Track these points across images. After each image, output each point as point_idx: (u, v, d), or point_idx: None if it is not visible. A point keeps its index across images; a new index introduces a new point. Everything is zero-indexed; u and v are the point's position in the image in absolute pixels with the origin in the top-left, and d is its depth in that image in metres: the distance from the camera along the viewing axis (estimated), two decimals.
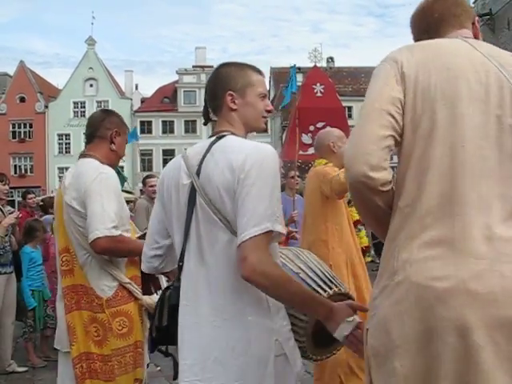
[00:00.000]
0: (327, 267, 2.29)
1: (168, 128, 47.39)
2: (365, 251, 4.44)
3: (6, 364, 5.77)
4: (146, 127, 45.98)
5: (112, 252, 2.84)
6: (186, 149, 2.18)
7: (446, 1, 1.94)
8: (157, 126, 46.54)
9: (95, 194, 2.81)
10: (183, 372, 1.97)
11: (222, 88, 2.08)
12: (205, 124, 2.29)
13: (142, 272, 2.68)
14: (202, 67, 48.63)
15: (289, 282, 1.87)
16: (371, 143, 1.62)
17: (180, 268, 2.02)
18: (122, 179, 7.00)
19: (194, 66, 49.51)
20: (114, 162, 3.12)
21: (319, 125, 15.49)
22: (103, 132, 3.06)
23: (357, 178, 1.62)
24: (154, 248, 2.20)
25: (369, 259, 4.61)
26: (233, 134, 2.04)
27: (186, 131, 48.11)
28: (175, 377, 2.06)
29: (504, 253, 1.52)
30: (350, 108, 44.56)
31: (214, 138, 2.05)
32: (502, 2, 30.35)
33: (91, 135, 3.11)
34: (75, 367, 2.89)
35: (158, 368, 5.37)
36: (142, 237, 2.80)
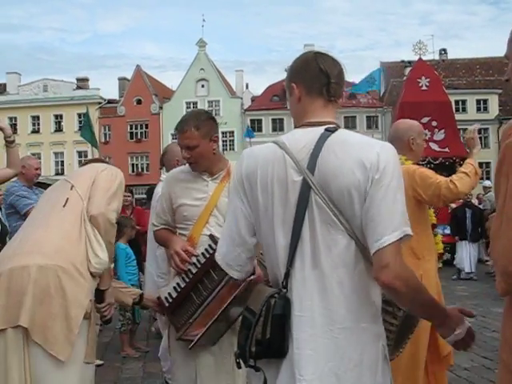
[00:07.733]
0: None
1: (278, 126, 47.72)
2: (439, 257, 4.15)
3: None
4: (256, 125, 46.46)
5: None
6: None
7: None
8: (267, 124, 46.92)
9: None
10: None
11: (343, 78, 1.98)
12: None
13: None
14: None
15: (424, 290, 1.80)
16: None
17: (287, 274, 1.82)
18: None
19: None
20: None
21: (424, 120, 15.02)
22: None
23: None
24: (246, 249, 1.97)
25: (440, 265, 4.29)
26: (338, 126, 1.89)
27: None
28: None
29: None
30: (464, 101, 42.62)
31: (319, 129, 1.87)
32: None
33: None
34: None
35: None
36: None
